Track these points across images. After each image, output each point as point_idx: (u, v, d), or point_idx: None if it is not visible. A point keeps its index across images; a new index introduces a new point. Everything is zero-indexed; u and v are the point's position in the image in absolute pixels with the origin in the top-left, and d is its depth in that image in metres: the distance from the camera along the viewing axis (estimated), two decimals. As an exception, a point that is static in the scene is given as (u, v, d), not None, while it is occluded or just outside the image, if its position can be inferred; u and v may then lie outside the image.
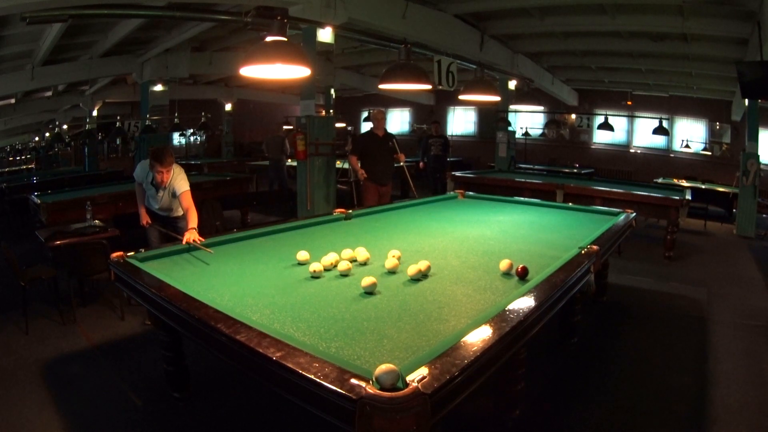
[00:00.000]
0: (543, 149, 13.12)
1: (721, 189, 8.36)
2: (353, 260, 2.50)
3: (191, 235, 2.88)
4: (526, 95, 9.93)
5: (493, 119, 10.50)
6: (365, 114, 13.47)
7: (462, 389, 1.39)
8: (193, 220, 3.37)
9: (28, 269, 3.77)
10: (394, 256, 2.46)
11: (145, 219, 3.87)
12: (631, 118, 12.01)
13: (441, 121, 15.02)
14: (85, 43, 7.55)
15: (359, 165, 5.42)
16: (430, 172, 8.92)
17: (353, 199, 6.40)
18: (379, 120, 5.69)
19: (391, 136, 5.76)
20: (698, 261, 5.71)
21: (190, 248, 2.77)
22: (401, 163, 5.99)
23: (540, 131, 12.87)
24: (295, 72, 2.90)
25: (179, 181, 3.66)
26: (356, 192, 6.40)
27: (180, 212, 3.87)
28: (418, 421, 1.19)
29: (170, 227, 3.77)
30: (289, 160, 9.77)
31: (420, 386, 1.23)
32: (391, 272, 2.38)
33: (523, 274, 2.27)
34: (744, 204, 7.22)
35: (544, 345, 3.22)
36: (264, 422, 2.46)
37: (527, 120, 13.13)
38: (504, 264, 2.35)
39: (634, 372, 3.00)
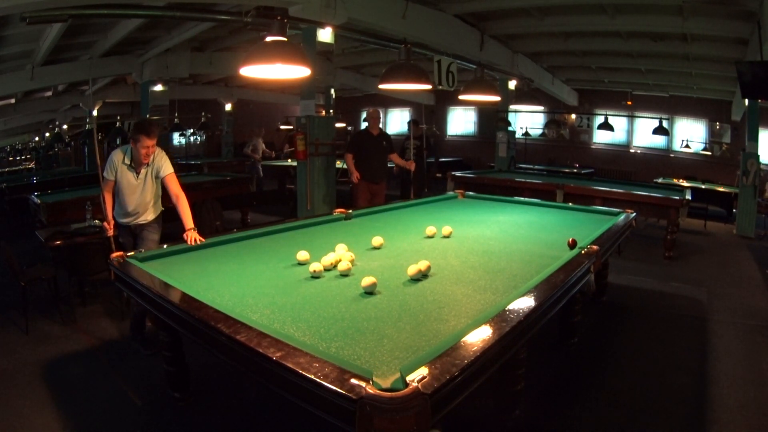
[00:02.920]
0: (543, 149, 13.12)
1: (721, 189, 8.37)
2: (339, 262, 2.41)
3: (193, 235, 2.85)
4: (526, 95, 9.93)
5: (493, 119, 10.50)
6: (365, 114, 13.47)
7: (462, 389, 1.39)
8: (187, 214, 3.11)
9: (28, 269, 3.77)
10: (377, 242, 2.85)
11: (111, 226, 3.33)
12: (631, 118, 12.01)
13: (440, 121, 15.08)
14: (85, 43, 7.54)
15: (354, 165, 5.51)
16: (402, 179, 7.92)
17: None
18: (375, 119, 5.69)
19: (386, 135, 5.77)
20: (698, 261, 5.71)
21: (190, 248, 2.76)
22: (394, 164, 6.01)
23: (540, 131, 12.87)
24: (295, 72, 2.90)
25: (164, 161, 3.30)
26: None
27: (152, 215, 3.44)
28: (418, 421, 1.19)
29: (139, 238, 3.40)
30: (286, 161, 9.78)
31: (420, 386, 1.23)
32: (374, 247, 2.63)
33: (573, 246, 2.74)
34: (744, 204, 7.23)
35: (544, 345, 3.22)
36: (264, 422, 2.46)
37: (527, 120, 13.13)
38: (412, 270, 2.27)
39: (634, 372, 3.00)
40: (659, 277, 4.92)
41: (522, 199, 4.95)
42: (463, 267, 2.49)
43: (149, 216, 3.46)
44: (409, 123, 8.14)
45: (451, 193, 5.02)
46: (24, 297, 3.53)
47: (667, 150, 11.74)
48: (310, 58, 3.48)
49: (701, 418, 2.50)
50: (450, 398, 1.34)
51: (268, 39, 2.76)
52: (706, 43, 6.93)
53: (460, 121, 15.05)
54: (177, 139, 14.80)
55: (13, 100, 11.17)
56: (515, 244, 3.01)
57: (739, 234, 7.19)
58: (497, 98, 5.61)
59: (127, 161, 3.27)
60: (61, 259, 4.09)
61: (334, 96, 6.08)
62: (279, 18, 2.77)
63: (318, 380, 1.29)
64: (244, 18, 4.37)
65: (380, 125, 5.77)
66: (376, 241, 2.90)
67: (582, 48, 8.35)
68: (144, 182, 3.34)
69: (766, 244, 6.74)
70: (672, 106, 11.26)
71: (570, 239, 2.82)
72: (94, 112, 11.81)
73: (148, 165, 3.30)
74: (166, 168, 3.31)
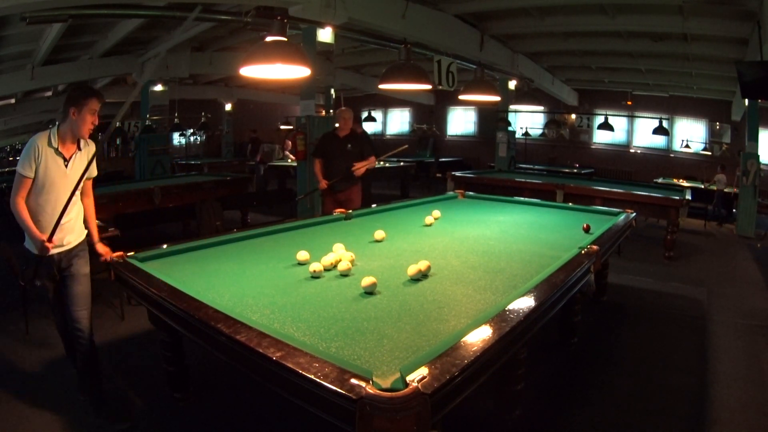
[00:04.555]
0: (543, 149, 13.13)
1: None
2: (339, 262, 2.41)
3: (104, 249, 2.52)
4: (526, 95, 9.94)
5: (493, 119, 10.51)
6: (365, 114, 13.48)
7: (462, 389, 1.39)
8: (94, 221, 2.65)
9: (28, 269, 3.76)
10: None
11: (47, 241, 2.33)
12: (631, 118, 12.01)
13: (440, 121, 15.08)
14: (85, 43, 7.55)
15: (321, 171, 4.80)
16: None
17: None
18: (342, 119, 4.85)
19: (355, 137, 4.89)
20: (698, 261, 5.71)
21: (190, 248, 2.76)
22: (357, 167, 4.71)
23: (540, 131, 12.89)
24: (295, 72, 2.90)
25: (94, 156, 2.48)
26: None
27: (83, 233, 2.56)
28: (418, 421, 1.19)
29: (67, 274, 2.52)
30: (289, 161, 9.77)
31: (420, 386, 1.23)
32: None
33: (588, 230, 3.17)
34: (744, 204, 7.23)
35: (544, 345, 3.22)
36: (264, 422, 2.46)
37: (527, 120, 13.14)
38: (412, 270, 2.27)
39: (634, 372, 3.00)
40: (659, 277, 4.92)
41: (522, 199, 4.95)
42: (463, 267, 2.49)
43: (80, 233, 2.54)
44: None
45: (451, 193, 5.02)
46: (24, 297, 3.53)
47: (667, 150, 11.75)
48: (310, 58, 3.47)
49: (701, 418, 2.49)
50: (450, 398, 1.34)
51: (268, 39, 2.76)
52: (706, 43, 6.93)
53: (460, 121, 15.06)
54: (177, 139, 14.80)
55: (13, 100, 11.17)
56: (515, 244, 3.01)
57: (739, 234, 7.19)
58: (497, 98, 5.61)
59: (55, 143, 2.31)
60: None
61: (334, 96, 6.09)
62: (279, 18, 2.78)
63: (318, 380, 1.29)
64: (244, 18, 4.38)
65: (352, 125, 4.90)
66: (378, 234, 3.00)
67: (582, 48, 8.35)
68: (75, 176, 2.38)
69: (766, 244, 6.74)
70: (672, 106, 11.27)
71: (585, 224, 3.26)
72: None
73: (79, 150, 2.41)
74: (94, 168, 2.51)
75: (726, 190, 8.10)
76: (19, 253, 2.78)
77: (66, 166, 2.36)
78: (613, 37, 7.43)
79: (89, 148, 2.48)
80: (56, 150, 2.33)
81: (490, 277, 2.32)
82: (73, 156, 2.39)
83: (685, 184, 8.01)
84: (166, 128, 10.19)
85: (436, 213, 3.80)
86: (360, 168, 4.69)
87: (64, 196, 2.33)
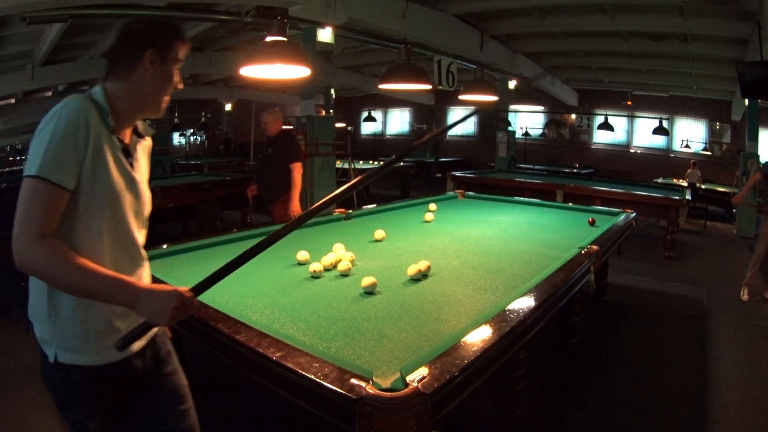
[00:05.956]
0: (543, 149, 13.14)
1: (721, 189, 8.38)
2: (339, 262, 2.41)
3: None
4: (526, 95, 9.95)
5: (493, 119, 10.51)
6: (365, 114, 13.48)
7: (462, 389, 1.39)
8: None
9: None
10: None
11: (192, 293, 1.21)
12: (631, 118, 12.02)
13: (440, 121, 15.09)
14: (85, 43, 7.54)
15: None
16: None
17: (353, 199, 6.40)
18: (266, 123, 4.27)
19: (280, 138, 4.30)
20: (698, 261, 5.71)
21: (190, 248, 2.75)
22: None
23: (540, 131, 12.90)
24: (295, 72, 2.91)
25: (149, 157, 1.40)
26: (356, 193, 6.37)
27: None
28: (418, 421, 1.19)
29: (163, 355, 1.53)
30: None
31: (420, 386, 1.23)
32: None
33: (593, 224, 3.43)
34: (744, 204, 7.23)
35: (544, 345, 3.22)
36: (264, 422, 2.46)
37: (527, 120, 13.14)
38: (412, 270, 2.27)
39: (634, 372, 3.00)
40: (659, 277, 4.92)
41: (522, 199, 4.95)
42: (463, 267, 2.49)
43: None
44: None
45: (451, 193, 5.03)
46: (24, 297, 3.52)
47: (667, 150, 11.76)
48: (310, 58, 3.47)
49: (701, 418, 2.50)
50: (450, 398, 1.33)
51: (268, 39, 2.76)
52: (706, 43, 6.94)
53: (460, 121, 15.05)
54: (177, 139, 14.81)
55: (13, 100, 11.17)
56: (515, 244, 3.01)
57: (739, 234, 7.19)
58: (497, 98, 5.61)
59: (111, 121, 1.17)
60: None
61: (334, 96, 6.09)
62: (279, 18, 2.78)
63: (318, 380, 1.29)
64: (244, 18, 4.38)
65: (281, 126, 4.35)
66: (378, 234, 3.01)
67: (582, 48, 8.36)
68: (143, 183, 1.30)
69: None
70: (672, 106, 11.28)
71: (590, 218, 3.52)
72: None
73: (139, 138, 1.32)
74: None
75: (699, 185, 8.15)
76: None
77: (131, 164, 1.25)
78: (613, 37, 7.43)
79: (147, 140, 1.38)
80: (118, 142, 1.21)
81: (490, 277, 2.31)
82: (135, 148, 1.30)
83: (685, 184, 8.01)
84: (166, 128, 10.21)
85: (433, 206, 3.99)
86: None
87: (134, 223, 1.26)
